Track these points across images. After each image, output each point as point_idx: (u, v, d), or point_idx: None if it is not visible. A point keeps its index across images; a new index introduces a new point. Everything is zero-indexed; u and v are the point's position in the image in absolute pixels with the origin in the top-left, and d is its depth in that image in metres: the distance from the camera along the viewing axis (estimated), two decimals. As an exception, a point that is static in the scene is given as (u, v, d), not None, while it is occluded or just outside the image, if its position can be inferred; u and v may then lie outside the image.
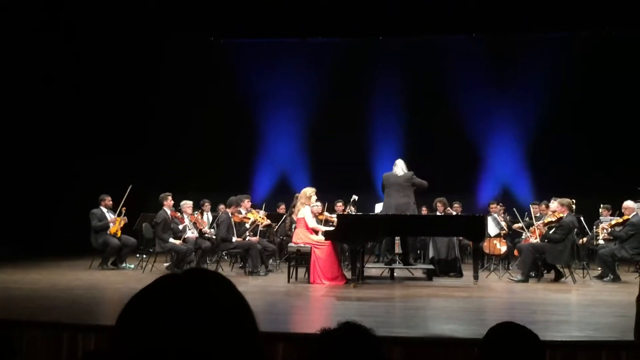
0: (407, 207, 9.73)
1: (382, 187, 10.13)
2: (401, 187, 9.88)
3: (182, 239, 10.20)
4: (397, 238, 10.20)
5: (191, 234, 10.46)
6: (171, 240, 10.07)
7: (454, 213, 11.60)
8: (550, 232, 9.61)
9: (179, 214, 10.50)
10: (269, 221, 11.06)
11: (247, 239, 10.25)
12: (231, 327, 0.91)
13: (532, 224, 10.46)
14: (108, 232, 10.50)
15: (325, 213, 10.71)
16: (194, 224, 10.74)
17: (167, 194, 10.48)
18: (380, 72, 14.69)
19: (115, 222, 10.65)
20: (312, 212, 9.63)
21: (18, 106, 12.12)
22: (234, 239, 10.16)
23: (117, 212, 10.79)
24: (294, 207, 10.39)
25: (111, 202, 10.86)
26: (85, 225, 10.60)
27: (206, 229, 10.97)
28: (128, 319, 0.91)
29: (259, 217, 10.73)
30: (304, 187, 9.91)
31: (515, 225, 11.09)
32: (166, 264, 10.53)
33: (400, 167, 10.02)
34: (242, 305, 0.95)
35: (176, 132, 14.52)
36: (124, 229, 10.82)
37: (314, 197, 9.57)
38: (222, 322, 0.90)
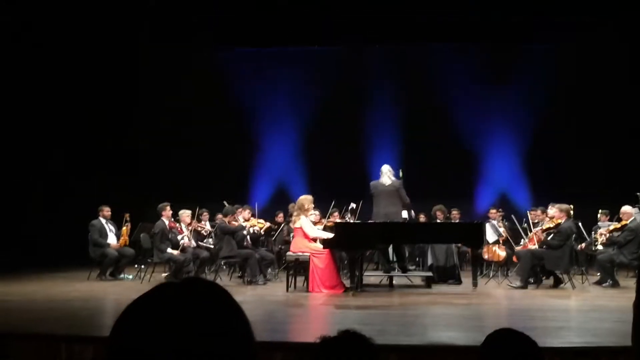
0: (396, 215, 9.75)
1: (371, 195, 10.15)
2: (389, 196, 9.89)
3: (180, 248, 10.18)
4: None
5: (188, 241, 10.43)
6: (169, 250, 10.05)
7: (453, 220, 11.60)
8: (549, 238, 9.61)
9: (177, 224, 10.48)
10: (268, 224, 11.14)
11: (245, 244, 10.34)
12: (227, 337, 0.91)
13: (530, 230, 10.45)
14: (111, 244, 10.64)
15: (323, 220, 10.70)
16: (194, 230, 10.74)
17: (165, 204, 10.45)
18: (377, 80, 14.72)
19: (119, 234, 10.85)
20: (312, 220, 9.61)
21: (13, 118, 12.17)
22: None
23: (123, 221, 10.99)
24: (290, 215, 10.40)
25: (109, 213, 10.89)
26: (83, 236, 10.61)
27: (207, 227, 11.02)
28: (124, 326, 0.91)
29: (257, 222, 10.84)
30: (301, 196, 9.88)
31: (517, 248, 10.78)
32: (164, 274, 10.51)
33: (387, 175, 10.02)
34: (238, 315, 0.95)
35: (173, 143, 14.52)
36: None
37: (311, 208, 9.55)
38: (217, 332, 0.90)
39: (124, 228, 11.00)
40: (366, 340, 1.67)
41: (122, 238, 10.91)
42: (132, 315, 0.92)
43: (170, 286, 0.97)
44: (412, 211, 10.36)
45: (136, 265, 11.06)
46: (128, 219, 11.08)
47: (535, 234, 10.01)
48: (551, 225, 9.67)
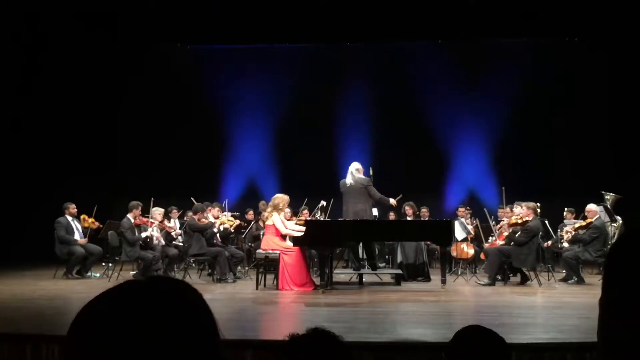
0: (363, 213, 9.75)
1: (341, 193, 10.16)
2: (355, 194, 9.87)
3: (149, 239, 10.07)
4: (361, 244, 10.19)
5: (157, 237, 10.31)
6: (143, 234, 9.97)
7: (422, 218, 11.68)
8: (516, 235, 9.73)
9: (144, 218, 10.31)
10: (238, 221, 11.10)
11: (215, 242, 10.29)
12: (191, 335, 0.89)
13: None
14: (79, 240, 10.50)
15: (294, 218, 10.68)
16: (163, 230, 10.62)
17: (137, 202, 10.29)
18: (348, 78, 14.71)
19: (87, 231, 10.72)
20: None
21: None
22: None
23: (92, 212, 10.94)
24: (259, 214, 10.36)
25: (76, 210, 10.73)
26: (49, 234, 10.44)
27: (177, 230, 10.93)
28: (84, 322, 0.89)
29: (227, 219, 10.80)
30: (273, 194, 9.83)
31: (485, 245, 10.90)
32: (133, 272, 10.40)
33: (350, 173, 10.00)
34: (204, 313, 0.94)
35: (143, 140, 14.35)
36: (91, 238, 10.76)
37: (285, 208, 9.52)
38: (181, 330, 0.88)
39: (91, 219, 10.89)
40: (335, 338, 1.66)
41: (89, 220, 10.77)
42: (92, 311, 0.90)
43: (134, 283, 0.95)
44: (393, 199, 10.20)
45: (104, 264, 10.92)
46: (93, 210, 10.99)
47: (502, 227, 10.15)
48: (519, 221, 9.78)
